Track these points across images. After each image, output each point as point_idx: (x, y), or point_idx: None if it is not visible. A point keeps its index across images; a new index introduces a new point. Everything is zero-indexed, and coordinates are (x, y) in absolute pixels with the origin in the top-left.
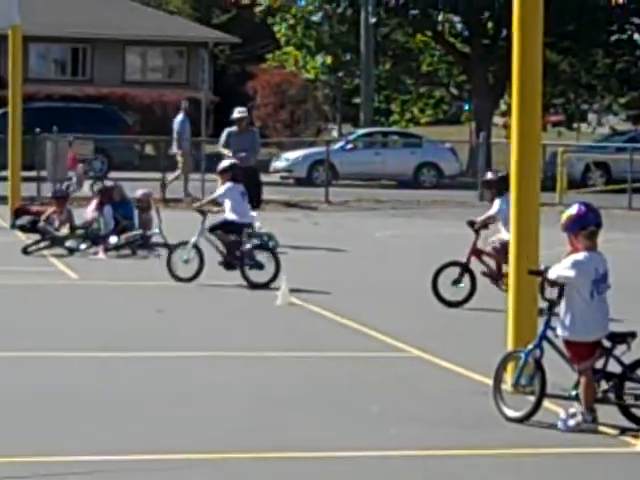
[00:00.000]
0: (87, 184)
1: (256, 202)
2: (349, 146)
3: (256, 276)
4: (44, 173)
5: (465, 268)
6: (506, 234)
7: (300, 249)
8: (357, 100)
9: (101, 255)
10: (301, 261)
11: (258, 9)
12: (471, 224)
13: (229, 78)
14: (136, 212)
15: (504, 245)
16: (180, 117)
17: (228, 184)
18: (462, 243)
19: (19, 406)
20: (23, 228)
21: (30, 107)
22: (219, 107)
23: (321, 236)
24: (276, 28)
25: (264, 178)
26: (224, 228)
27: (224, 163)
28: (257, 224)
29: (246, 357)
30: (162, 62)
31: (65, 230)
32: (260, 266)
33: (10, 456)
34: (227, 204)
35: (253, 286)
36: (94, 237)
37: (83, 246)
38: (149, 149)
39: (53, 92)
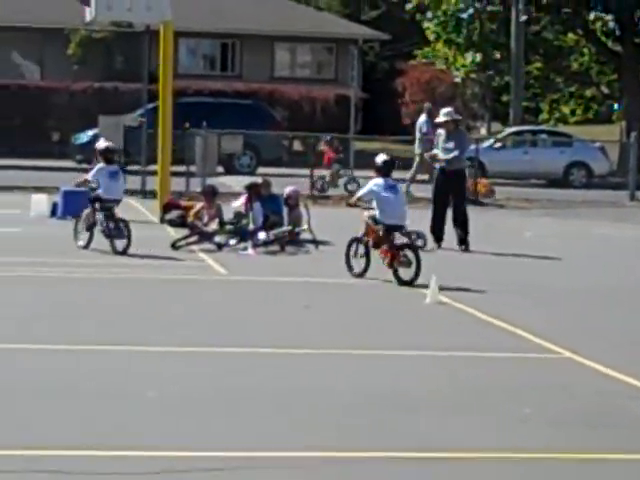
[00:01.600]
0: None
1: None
2: (498, 144)
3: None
4: (193, 168)
5: None
6: None
7: (447, 250)
8: (506, 98)
9: (250, 251)
10: (453, 260)
11: (408, 6)
12: None
13: (378, 75)
14: (285, 209)
15: None
16: (423, 118)
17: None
18: (620, 244)
19: (162, 401)
20: (172, 223)
21: (180, 102)
22: (368, 104)
23: (471, 234)
24: (425, 25)
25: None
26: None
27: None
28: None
29: (390, 355)
30: (311, 58)
31: (214, 225)
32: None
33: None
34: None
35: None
36: (243, 233)
37: (232, 242)
38: (297, 145)
39: (202, 87)
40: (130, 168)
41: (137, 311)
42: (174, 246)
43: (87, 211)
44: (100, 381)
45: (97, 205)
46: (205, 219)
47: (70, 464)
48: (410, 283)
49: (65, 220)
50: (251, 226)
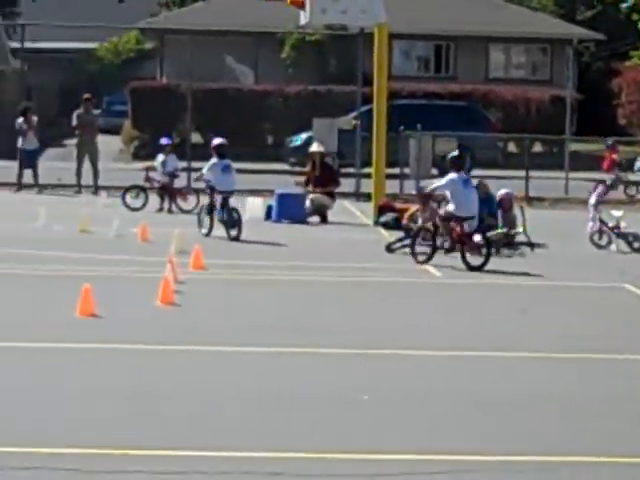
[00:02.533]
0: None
1: None
2: None
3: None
4: (407, 170)
5: None
6: None
7: None
8: None
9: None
10: None
11: (623, 6)
12: None
13: (593, 75)
14: (499, 211)
15: None
16: None
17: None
18: None
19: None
20: (387, 225)
21: (394, 104)
22: (583, 105)
23: None
24: None
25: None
26: None
27: None
28: (623, 224)
29: (608, 359)
30: (525, 59)
31: None
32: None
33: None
34: None
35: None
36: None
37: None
38: (512, 147)
39: (416, 89)
40: (344, 171)
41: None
42: (389, 249)
43: (206, 201)
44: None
45: (215, 196)
46: (419, 221)
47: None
48: (479, 269)
49: (281, 223)
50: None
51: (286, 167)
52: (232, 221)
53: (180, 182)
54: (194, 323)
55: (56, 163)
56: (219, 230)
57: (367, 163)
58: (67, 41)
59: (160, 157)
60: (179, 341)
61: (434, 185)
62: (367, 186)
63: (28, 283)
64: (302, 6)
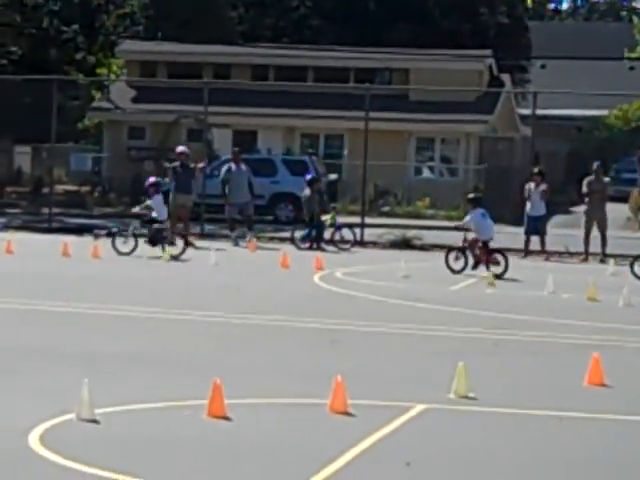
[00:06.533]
0: None
1: None
2: None
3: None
4: None
5: None
6: None
7: None
8: None
9: None
10: None
11: None
12: None
13: None
14: None
15: None
16: None
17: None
18: None
19: None
20: None
21: None
22: None
23: None
24: None
25: None
26: None
27: None
28: None
29: None
30: None
31: None
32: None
33: None
34: None
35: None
36: None
37: None
38: None
39: None
40: None
41: None
42: None
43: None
44: None
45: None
46: None
47: None
48: (500, 276)
49: None
50: None
51: None
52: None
53: None
54: None
55: (563, 230)
56: None
57: None
58: (575, 108)
59: None
60: None
61: (464, 221)
62: None
63: (538, 350)
64: None
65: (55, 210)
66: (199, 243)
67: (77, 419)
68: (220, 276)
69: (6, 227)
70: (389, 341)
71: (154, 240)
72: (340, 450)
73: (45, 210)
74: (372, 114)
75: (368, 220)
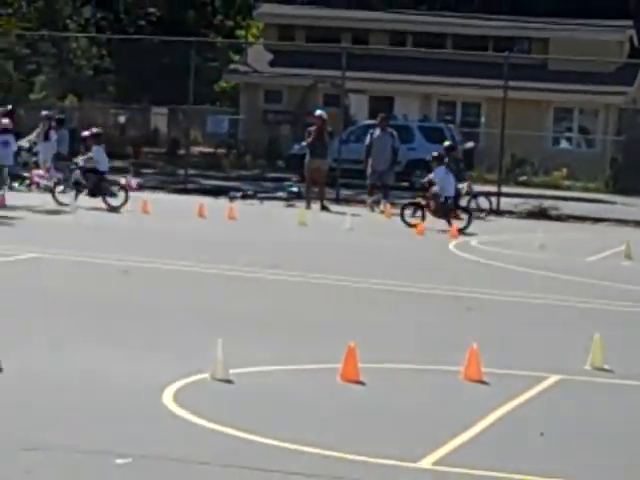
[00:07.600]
0: None
1: None
2: None
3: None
4: None
5: None
6: None
7: None
8: None
9: None
10: None
11: None
12: None
13: None
14: None
15: None
16: None
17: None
18: None
19: None
20: None
21: None
22: None
23: None
24: None
25: None
26: None
27: None
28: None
29: None
30: None
31: None
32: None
33: None
34: None
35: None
36: None
37: None
38: None
39: None
40: None
41: None
42: None
43: None
44: None
45: None
46: None
47: None
48: (462, 230)
49: None
50: None
51: None
52: None
53: None
54: None
55: None
56: None
57: None
58: None
59: None
60: None
61: (429, 177)
62: None
63: None
64: None
65: (191, 171)
66: (334, 208)
67: (211, 379)
68: (354, 241)
69: (142, 187)
70: (524, 310)
71: (94, 191)
72: (474, 418)
73: (181, 171)
74: (510, 83)
75: (504, 189)
